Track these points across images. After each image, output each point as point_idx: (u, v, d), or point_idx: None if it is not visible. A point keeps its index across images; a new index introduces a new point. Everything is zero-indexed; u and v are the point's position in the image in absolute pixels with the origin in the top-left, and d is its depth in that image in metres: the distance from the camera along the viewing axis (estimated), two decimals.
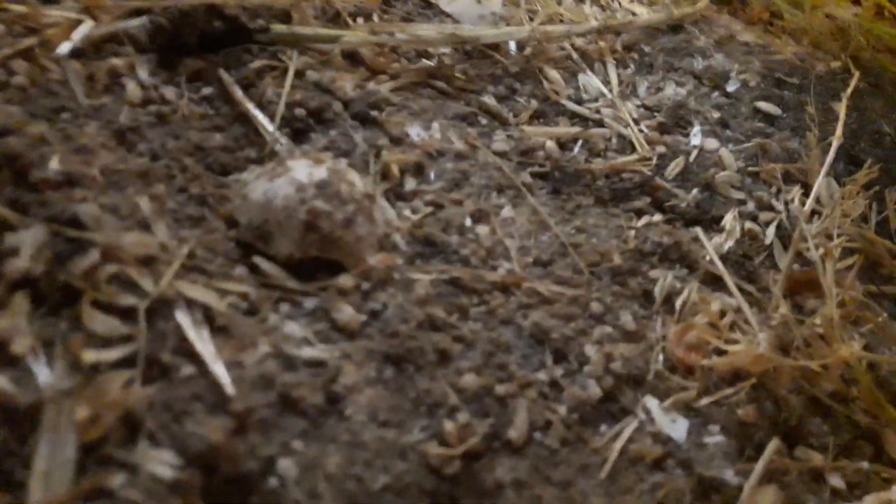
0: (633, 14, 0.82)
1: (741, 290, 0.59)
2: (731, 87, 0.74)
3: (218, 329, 0.44)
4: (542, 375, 0.49)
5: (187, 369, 0.41)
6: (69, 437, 0.36)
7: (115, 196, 0.47)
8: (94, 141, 0.50)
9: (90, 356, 0.38)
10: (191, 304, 0.44)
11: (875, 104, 0.73)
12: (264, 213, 0.50)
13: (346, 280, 0.49)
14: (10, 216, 0.43)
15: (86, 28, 0.60)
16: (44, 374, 0.38)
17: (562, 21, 0.78)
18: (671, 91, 0.73)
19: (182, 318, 0.42)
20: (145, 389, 0.39)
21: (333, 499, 0.39)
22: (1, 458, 0.36)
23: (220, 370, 0.41)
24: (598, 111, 0.70)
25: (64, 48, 0.57)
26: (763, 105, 0.72)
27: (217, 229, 0.50)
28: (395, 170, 0.58)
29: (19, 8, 0.59)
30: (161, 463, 0.37)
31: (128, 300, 0.42)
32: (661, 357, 0.53)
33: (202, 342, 0.42)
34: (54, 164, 0.46)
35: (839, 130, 0.66)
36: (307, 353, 0.45)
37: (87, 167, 0.47)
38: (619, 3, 0.85)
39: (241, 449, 0.39)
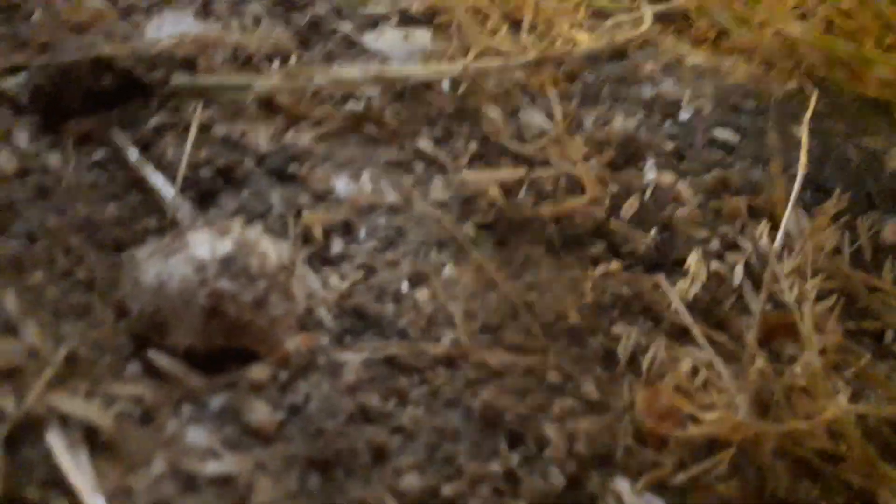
0: (574, 42, 0.77)
1: (712, 340, 0.53)
2: (683, 116, 0.69)
3: (102, 448, 0.37)
4: (495, 466, 0.42)
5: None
6: None
7: None
8: None
9: None
10: (66, 421, 0.36)
11: (836, 126, 0.69)
12: (158, 298, 0.42)
13: (259, 371, 0.42)
14: None
15: None
16: None
17: (497, 54, 0.72)
18: (620, 123, 0.67)
19: (54, 440, 0.35)
20: None
21: None
22: None
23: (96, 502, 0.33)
24: (542, 149, 0.64)
25: None
26: (719, 133, 0.67)
27: (106, 321, 0.43)
28: (318, 231, 0.52)
29: None
30: None
31: None
32: (629, 429, 0.47)
33: (78, 469, 0.34)
34: None
35: (803, 158, 0.61)
36: (212, 467, 0.38)
37: None
38: (559, 31, 0.79)
39: None
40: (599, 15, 0.88)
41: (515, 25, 0.79)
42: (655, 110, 0.69)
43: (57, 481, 0.34)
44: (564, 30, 0.80)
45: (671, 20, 0.90)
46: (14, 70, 0.55)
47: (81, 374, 0.39)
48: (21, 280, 0.42)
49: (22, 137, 0.52)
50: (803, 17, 0.85)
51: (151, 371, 0.41)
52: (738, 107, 0.70)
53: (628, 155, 0.64)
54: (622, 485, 0.44)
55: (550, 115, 0.68)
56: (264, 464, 0.39)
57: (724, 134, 0.67)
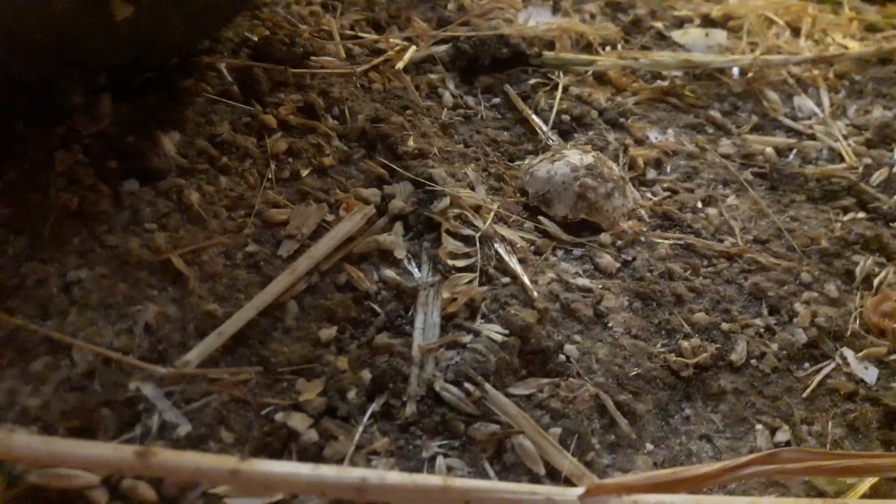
0: (845, 48, 0.93)
1: None
2: None
3: (518, 260, 0.62)
4: (758, 322, 0.63)
5: (504, 279, 0.59)
6: (436, 310, 0.55)
7: (448, 167, 0.67)
8: (430, 130, 0.71)
9: (450, 261, 0.58)
10: (503, 239, 0.62)
11: None
12: (547, 185, 0.67)
13: (604, 237, 0.66)
14: (386, 174, 0.64)
15: (411, 52, 0.81)
16: (416, 271, 0.58)
17: (779, 52, 0.91)
18: (878, 113, 0.83)
19: (499, 247, 0.61)
20: (480, 288, 0.58)
21: (602, 375, 0.56)
22: (394, 318, 0.55)
23: (527, 281, 0.58)
24: (810, 127, 0.82)
25: (399, 65, 0.79)
26: None
27: (511, 197, 0.68)
28: (639, 162, 0.74)
29: (370, 37, 0.81)
30: (493, 332, 0.55)
31: (467, 232, 0.61)
32: (857, 321, 0.65)
33: (514, 263, 0.60)
34: (411, 143, 0.67)
35: None
36: (579, 282, 0.62)
37: (430, 146, 0.68)
38: (832, 39, 0.96)
39: (542, 332, 0.56)
40: (871, 29, 1.03)
41: (795, 32, 0.97)
42: None
43: (502, 268, 0.60)
44: (838, 38, 0.96)
45: None
46: (442, 42, 0.83)
47: (503, 221, 0.65)
48: (466, 164, 0.69)
49: (451, 85, 0.79)
50: None
51: (539, 228, 0.66)
52: None
53: (882, 138, 0.81)
54: (848, 353, 0.63)
55: (819, 103, 0.86)
56: (609, 287, 0.62)
57: None
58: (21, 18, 0.44)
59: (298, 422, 0.49)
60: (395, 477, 0.43)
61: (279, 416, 0.50)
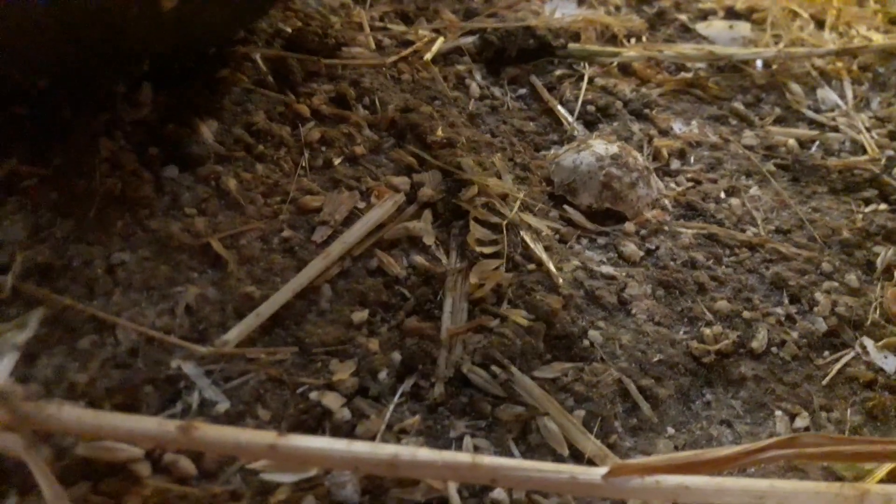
0: (869, 40, 0.93)
1: None
2: None
3: (544, 247, 0.63)
4: (779, 310, 0.64)
5: (530, 266, 0.61)
6: (463, 295, 0.57)
7: (475, 156, 0.68)
8: (458, 120, 0.72)
9: (477, 248, 0.59)
10: (529, 227, 0.64)
11: None
12: (572, 175, 0.69)
13: (629, 226, 0.67)
14: (415, 163, 0.66)
15: (439, 43, 0.83)
16: (444, 257, 0.60)
17: (803, 45, 0.91)
18: None
19: (525, 235, 0.62)
20: (506, 274, 0.59)
21: (626, 360, 0.57)
22: (423, 302, 0.57)
23: (553, 268, 0.60)
24: (833, 119, 0.83)
25: (427, 56, 0.80)
26: None
27: (537, 186, 0.70)
28: (663, 153, 0.76)
29: (399, 28, 0.83)
30: (519, 316, 0.56)
31: (494, 219, 0.62)
32: (878, 310, 0.66)
33: (539, 251, 0.61)
34: (440, 132, 0.68)
35: None
36: (604, 269, 0.63)
37: (458, 136, 0.69)
38: (857, 31, 0.96)
39: (566, 318, 0.58)
40: (895, 22, 1.03)
41: (819, 24, 0.97)
42: None
43: (528, 256, 0.61)
44: (862, 31, 0.96)
45: None
46: (470, 33, 0.85)
47: (529, 210, 0.66)
48: (493, 153, 0.70)
49: (478, 76, 0.81)
50: None
51: (564, 217, 0.68)
52: None
53: None
54: (868, 342, 0.64)
55: (843, 95, 0.86)
56: (632, 275, 0.64)
57: None
58: (74, 10, 0.46)
59: (332, 400, 0.51)
60: (426, 453, 0.45)
61: (313, 395, 0.52)
